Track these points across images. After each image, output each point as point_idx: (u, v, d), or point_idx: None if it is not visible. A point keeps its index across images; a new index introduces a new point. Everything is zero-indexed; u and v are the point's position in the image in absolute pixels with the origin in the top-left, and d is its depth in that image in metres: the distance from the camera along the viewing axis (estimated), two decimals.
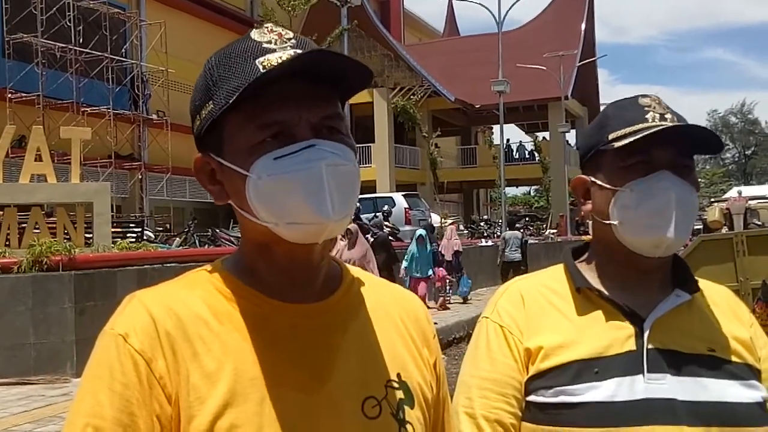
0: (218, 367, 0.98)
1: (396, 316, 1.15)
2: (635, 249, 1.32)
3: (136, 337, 0.97)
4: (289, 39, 1.02)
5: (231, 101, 0.97)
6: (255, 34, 1.03)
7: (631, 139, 1.30)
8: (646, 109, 1.34)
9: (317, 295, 1.07)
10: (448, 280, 16.03)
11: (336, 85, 1.03)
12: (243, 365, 0.99)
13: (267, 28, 1.04)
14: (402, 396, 1.07)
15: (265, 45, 1.01)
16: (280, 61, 0.98)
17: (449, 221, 22.39)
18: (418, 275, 14.10)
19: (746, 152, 79.53)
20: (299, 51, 1.00)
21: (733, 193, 26.26)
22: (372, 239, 14.35)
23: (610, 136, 1.34)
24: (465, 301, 16.55)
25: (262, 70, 0.98)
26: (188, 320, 1.00)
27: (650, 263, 1.33)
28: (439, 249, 16.27)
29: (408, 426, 1.06)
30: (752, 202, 21.34)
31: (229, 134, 1.01)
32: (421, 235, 14.39)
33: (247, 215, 1.01)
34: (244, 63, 1.00)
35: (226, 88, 0.99)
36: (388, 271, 14.31)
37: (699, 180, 1.41)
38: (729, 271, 8.11)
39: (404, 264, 14.18)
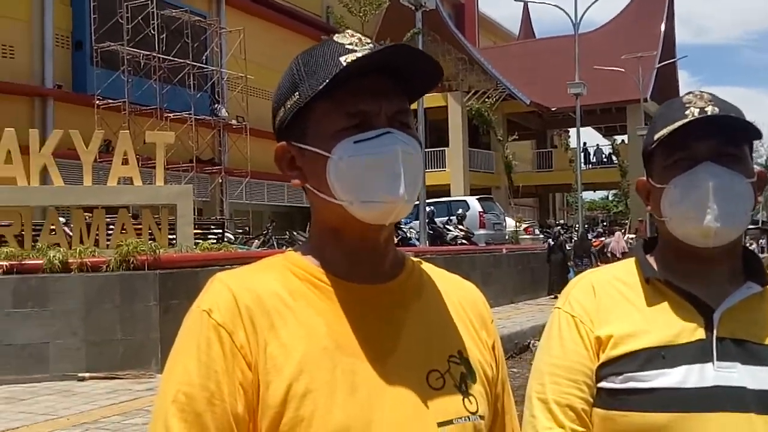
0: (293, 338, 1.06)
1: (455, 300, 1.23)
2: (688, 241, 1.36)
3: (218, 312, 1.07)
4: (368, 42, 1.14)
5: (320, 88, 1.08)
6: (338, 38, 1.14)
7: (664, 135, 1.35)
8: (687, 105, 1.37)
9: (383, 277, 1.16)
10: None
11: (407, 84, 1.14)
12: (316, 337, 1.07)
13: (348, 33, 1.16)
14: (464, 371, 1.15)
15: (347, 46, 1.12)
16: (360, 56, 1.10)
17: (524, 225, 22.24)
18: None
19: None
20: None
21: None
22: (553, 243, 18.37)
23: (655, 137, 1.38)
24: None
25: (344, 64, 1.09)
26: (265, 296, 1.09)
27: (708, 253, 1.36)
28: (609, 249, 20.56)
29: (471, 398, 1.13)
30: None
31: (313, 121, 1.12)
32: None
33: (324, 196, 1.11)
34: (330, 59, 1.11)
35: (314, 80, 1.11)
36: (564, 266, 18.43)
37: None
38: None
39: None
